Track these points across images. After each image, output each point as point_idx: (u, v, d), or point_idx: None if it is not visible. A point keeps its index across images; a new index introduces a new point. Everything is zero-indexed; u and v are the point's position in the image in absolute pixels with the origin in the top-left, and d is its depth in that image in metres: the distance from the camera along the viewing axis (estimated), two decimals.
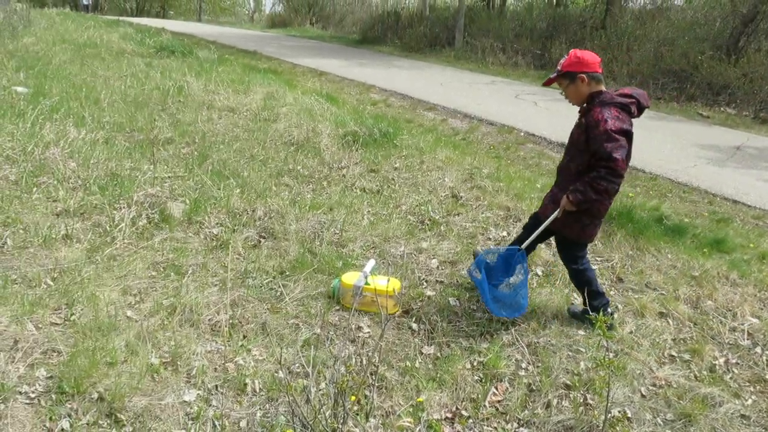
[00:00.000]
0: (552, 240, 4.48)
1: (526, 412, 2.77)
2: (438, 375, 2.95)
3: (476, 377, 2.98)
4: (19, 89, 7.48)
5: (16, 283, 3.32)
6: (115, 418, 2.47)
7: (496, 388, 2.92)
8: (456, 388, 2.88)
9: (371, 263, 3.59)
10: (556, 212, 3.23)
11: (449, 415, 2.72)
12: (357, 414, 2.57)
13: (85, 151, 5.37)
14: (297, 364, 2.92)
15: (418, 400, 2.74)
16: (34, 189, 4.55)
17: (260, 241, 4.21)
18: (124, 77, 9.30)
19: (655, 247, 4.55)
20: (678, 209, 5.66)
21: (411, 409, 2.70)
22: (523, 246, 3.47)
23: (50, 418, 2.43)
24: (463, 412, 2.74)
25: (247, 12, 44.82)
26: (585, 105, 3.17)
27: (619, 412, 2.79)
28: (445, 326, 3.37)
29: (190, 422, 2.51)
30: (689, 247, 4.64)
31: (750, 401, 2.97)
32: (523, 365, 3.12)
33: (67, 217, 4.18)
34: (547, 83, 3.31)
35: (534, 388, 2.94)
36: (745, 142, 8.74)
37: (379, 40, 21.19)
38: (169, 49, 13.07)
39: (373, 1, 31.46)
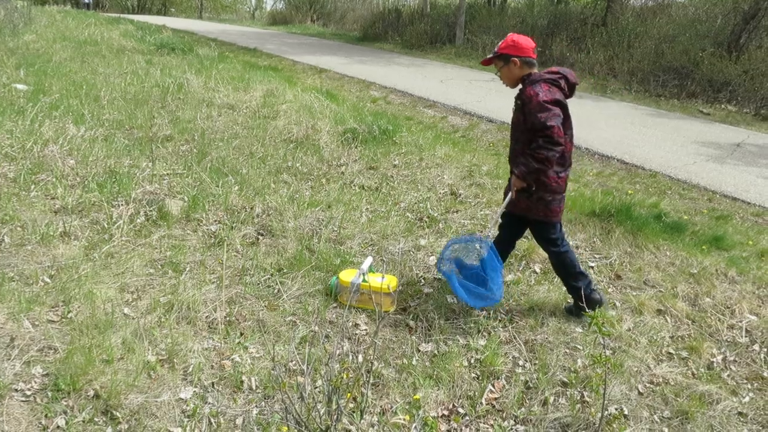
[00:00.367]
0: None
1: (523, 409, 2.77)
2: (435, 372, 2.95)
3: (473, 375, 2.98)
4: (19, 86, 7.49)
5: (14, 281, 3.32)
6: (111, 416, 2.47)
7: (493, 386, 2.92)
8: (453, 386, 2.88)
9: (369, 260, 3.59)
10: (509, 195, 3.31)
11: (446, 413, 2.72)
12: (352, 411, 2.57)
13: (84, 149, 5.37)
14: (294, 362, 2.92)
15: (415, 397, 2.74)
16: (33, 186, 4.55)
17: (258, 239, 4.21)
18: (124, 74, 9.30)
19: (653, 244, 4.54)
20: (677, 206, 5.65)
21: (407, 407, 2.70)
22: (489, 234, 3.51)
23: (46, 416, 2.43)
24: (460, 410, 2.74)
25: (248, 9, 44.74)
26: (520, 88, 3.28)
27: (616, 409, 2.79)
28: (443, 323, 3.37)
29: (186, 420, 2.51)
30: (688, 245, 4.63)
31: (747, 399, 2.96)
32: (521, 363, 3.11)
33: (65, 214, 4.18)
34: (485, 63, 3.40)
35: (531, 385, 2.94)
36: (746, 140, 8.72)
37: (380, 38, 21.14)
38: (170, 47, 13.06)
39: None
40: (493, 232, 3.58)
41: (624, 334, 3.40)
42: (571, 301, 3.61)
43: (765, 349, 3.40)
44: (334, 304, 3.48)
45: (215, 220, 4.38)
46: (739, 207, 5.89)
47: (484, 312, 3.52)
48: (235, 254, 3.96)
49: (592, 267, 4.21)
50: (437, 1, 24.39)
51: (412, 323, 3.38)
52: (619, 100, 11.53)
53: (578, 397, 2.85)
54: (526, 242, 4.42)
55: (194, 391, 2.67)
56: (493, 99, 10.43)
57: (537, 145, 3.03)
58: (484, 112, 9.43)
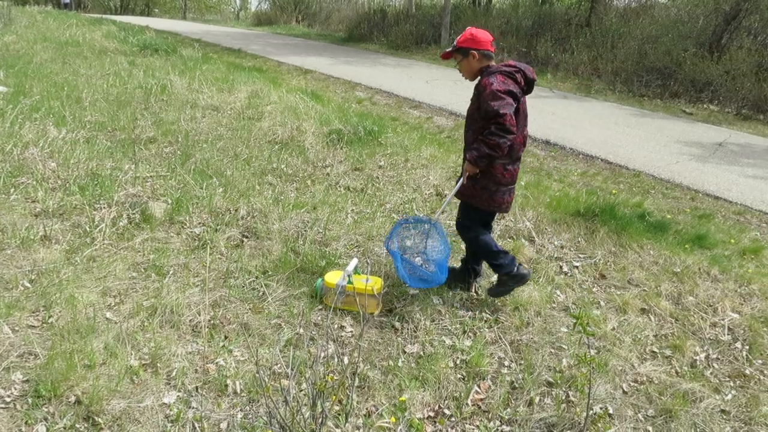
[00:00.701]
0: (536, 238, 4.50)
1: (509, 410, 2.78)
2: (421, 374, 2.94)
3: (459, 375, 2.98)
4: None
5: None
6: (93, 422, 2.44)
7: (479, 387, 2.92)
8: (439, 387, 2.88)
9: (354, 262, 3.57)
10: (461, 179, 3.40)
11: (431, 414, 2.71)
12: (338, 414, 2.55)
13: (66, 151, 5.31)
14: (278, 365, 2.90)
15: (401, 399, 2.73)
16: (13, 189, 4.49)
17: (243, 241, 4.18)
18: (107, 76, 9.20)
19: (637, 243, 4.58)
20: (660, 206, 5.70)
21: (393, 409, 2.69)
22: (438, 216, 3.62)
23: (26, 423, 2.39)
24: (446, 411, 2.74)
25: (232, 10, 44.49)
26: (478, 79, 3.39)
27: (601, 408, 2.80)
28: (428, 324, 3.36)
29: (170, 425, 2.48)
30: (671, 244, 4.67)
31: (730, 396, 2.99)
32: (506, 363, 3.12)
33: (45, 217, 4.12)
34: (444, 56, 3.50)
35: (516, 385, 2.95)
36: (728, 139, 8.83)
37: (365, 38, 21.13)
38: (153, 48, 12.94)
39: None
40: (440, 215, 3.67)
41: (608, 333, 3.43)
42: (494, 281, 3.70)
43: (747, 347, 3.43)
44: (320, 307, 3.46)
45: (199, 223, 4.34)
46: (722, 206, 5.95)
47: (470, 312, 3.52)
48: (220, 257, 3.93)
49: (577, 267, 4.23)
50: (422, 1, 24.45)
51: (397, 324, 3.37)
52: (603, 100, 11.62)
53: (563, 397, 2.86)
54: (512, 242, 4.43)
55: (178, 396, 2.64)
56: None
57: (489, 131, 3.13)
58: None
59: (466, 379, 2.96)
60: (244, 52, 15.74)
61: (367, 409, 2.69)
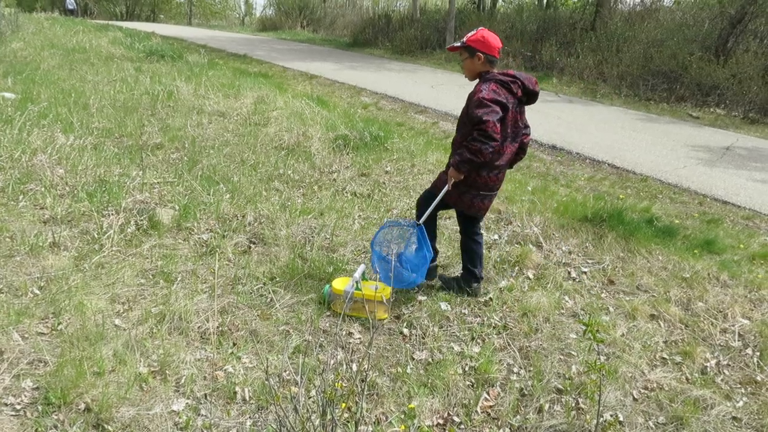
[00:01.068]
0: (543, 243, 4.50)
1: (518, 417, 2.76)
2: (429, 381, 2.94)
3: (468, 382, 2.97)
4: (7, 95, 7.42)
5: (2, 293, 3.28)
6: (102, 429, 2.44)
7: (488, 394, 2.91)
8: (448, 394, 2.87)
9: (361, 268, 3.57)
10: (446, 185, 3.44)
11: (441, 421, 2.70)
12: (347, 422, 2.55)
13: (73, 158, 5.33)
14: (287, 372, 2.89)
15: (410, 406, 2.72)
16: (21, 196, 4.50)
17: (250, 247, 4.18)
18: (114, 82, 9.25)
19: (646, 248, 4.56)
20: (668, 210, 5.68)
21: (402, 416, 2.68)
22: (421, 221, 3.61)
23: (36, 430, 2.39)
24: (455, 418, 2.73)
25: (237, 15, 44.71)
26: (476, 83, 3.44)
27: (611, 415, 2.78)
28: (437, 331, 3.36)
29: None
30: (680, 249, 4.65)
31: (741, 403, 2.97)
32: (515, 370, 3.11)
33: (54, 224, 4.14)
34: (451, 49, 3.52)
35: (526, 392, 2.93)
36: (735, 143, 8.79)
37: (370, 43, 21.18)
38: (159, 54, 13.00)
39: (363, 4, 31.48)
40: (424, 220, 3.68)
41: (618, 339, 3.41)
42: (457, 275, 3.86)
43: (758, 353, 3.41)
44: (328, 313, 3.46)
45: (207, 229, 4.35)
46: (730, 210, 5.93)
47: (478, 319, 3.52)
48: (227, 263, 3.93)
49: (585, 272, 4.21)
50: (427, 6, 24.50)
51: (406, 331, 3.36)
52: (608, 104, 11.60)
53: (573, 404, 2.85)
54: (519, 248, 4.42)
55: (187, 403, 2.64)
56: None
57: (472, 137, 3.18)
58: None
59: (475, 386, 2.95)
60: (250, 57, 15.80)
61: (376, 416, 2.68)
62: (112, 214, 4.32)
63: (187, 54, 13.86)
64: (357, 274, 3.48)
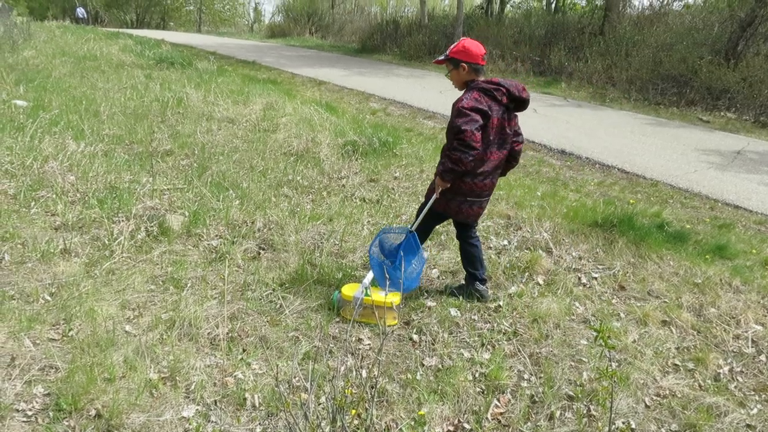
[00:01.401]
0: (553, 249, 4.49)
1: (529, 424, 2.74)
2: (439, 387, 2.92)
3: (478, 389, 2.95)
4: (19, 103, 7.50)
5: (14, 299, 3.30)
6: None
7: (499, 400, 2.89)
8: (458, 401, 2.85)
9: (371, 274, 3.57)
10: (434, 195, 3.46)
11: (451, 428, 2.69)
12: (357, 429, 2.54)
13: (84, 164, 5.36)
14: (297, 378, 2.89)
15: (420, 413, 2.71)
16: (33, 203, 4.54)
17: (260, 253, 4.19)
18: (124, 89, 9.32)
19: (657, 254, 4.52)
20: (679, 215, 5.64)
21: (412, 423, 2.67)
22: (413, 227, 3.63)
23: None
24: (465, 425, 2.71)
25: (246, 22, 45.00)
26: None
27: (623, 423, 2.76)
28: (447, 337, 3.34)
29: None
30: (691, 254, 4.61)
31: (755, 410, 2.93)
32: (526, 376, 3.09)
33: (65, 231, 4.16)
34: (436, 62, 3.58)
35: (537, 399, 2.91)
36: (746, 147, 8.73)
37: (378, 49, 21.24)
38: (169, 61, 13.11)
39: (372, 11, 31.62)
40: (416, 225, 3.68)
41: (629, 345, 3.38)
42: (462, 282, 3.85)
43: None
44: (337, 319, 3.45)
45: (216, 235, 4.36)
46: (742, 215, 5.88)
47: (488, 325, 3.50)
48: (237, 269, 3.94)
49: (596, 278, 4.19)
50: (435, 12, 24.54)
51: (415, 337, 3.35)
52: (618, 108, 11.56)
53: (585, 411, 2.82)
54: (529, 253, 4.40)
55: (197, 410, 2.64)
56: None
57: (452, 146, 3.22)
58: None
59: (485, 392, 2.93)
60: (259, 64, 15.88)
61: (386, 423, 2.67)
62: (123, 220, 4.34)
63: (197, 61, 13.96)
64: (366, 280, 3.47)
